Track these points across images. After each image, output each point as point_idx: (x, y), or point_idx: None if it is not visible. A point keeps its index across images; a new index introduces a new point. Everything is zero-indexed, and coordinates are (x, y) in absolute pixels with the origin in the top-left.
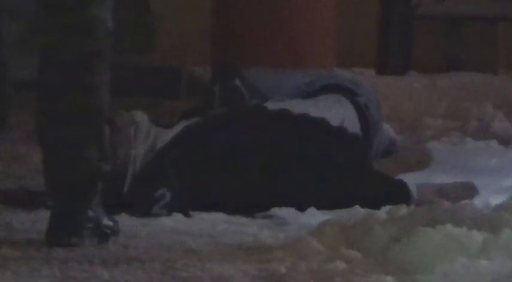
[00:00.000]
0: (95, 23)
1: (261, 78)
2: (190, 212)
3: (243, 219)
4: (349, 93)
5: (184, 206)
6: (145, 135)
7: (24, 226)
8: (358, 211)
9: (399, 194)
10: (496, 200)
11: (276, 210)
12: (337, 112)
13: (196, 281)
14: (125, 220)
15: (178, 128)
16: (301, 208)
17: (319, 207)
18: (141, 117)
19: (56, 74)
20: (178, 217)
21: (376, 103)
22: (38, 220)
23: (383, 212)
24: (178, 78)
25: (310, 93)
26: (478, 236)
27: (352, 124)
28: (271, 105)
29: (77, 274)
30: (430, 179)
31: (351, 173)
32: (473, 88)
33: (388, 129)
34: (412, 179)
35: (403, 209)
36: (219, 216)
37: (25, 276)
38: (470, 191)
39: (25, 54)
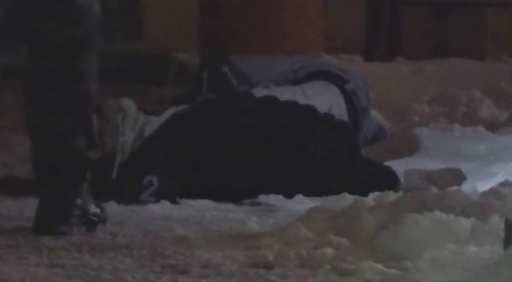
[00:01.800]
0: (82, 11)
1: (248, 65)
2: (178, 199)
3: (231, 206)
4: (337, 79)
5: (173, 193)
6: (134, 122)
7: (12, 214)
8: (346, 198)
9: (387, 181)
10: (483, 186)
11: (263, 197)
12: (324, 99)
13: (185, 268)
14: (112, 208)
15: (166, 115)
16: (289, 195)
17: (307, 194)
18: (129, 104)
19: (43, 61)
20: (166, 204)
21: (364, 89)
22: (26, 208)
23: (371, 199)
24: (166, 66)
25: (297, 79)
26: (466, 222)
27: (340, 111)
28: (258, 92)
29: (65, 262)
30: (418, 165)
31: (338, 159)
32: (461, 74)
33: (376, 116)
34: (400, 166)
35: (391, 196)
36: (207, 203)
37: (13, 264)
38: (458, 177)
39: (12, 42)
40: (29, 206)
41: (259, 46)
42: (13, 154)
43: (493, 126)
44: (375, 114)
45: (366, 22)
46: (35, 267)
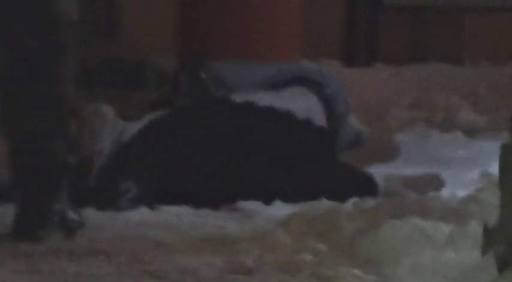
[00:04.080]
0: (59, 16)
1: (226, 71)
2: (156, 205)
3: (209, 212)
4: (315, 85)
5: (150, 199)
6: (111, 128)
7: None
8: (325, 203)
9: (366, 186)
10: (462, 192)
11: (242, 203)
12: (303, 105)
13: (163, 273)
14: (90, 213)
15: (143, 121)
16: (268, 201)
17: (285, 200)
18: (106, 110)
19: (20, 66)
20: (144, 210)
21: (343, 95)
22: (3, 214)
23: (349, 204)
24: (142, 70)
25: (276, 85)
26: (444, 228)
27: (318, 116)
28: (236, 98)
29: (43, 267)
30: (397, 170)
31: (316, 165)
32: (439, 79)
33: (355, 121)
34: (378, 171)
35: (369, 201)
36: (185, 209)
37: None
38: (436, 182)
39: None
40: (6, 212)
41: (237, 51)
42: None
43: (471, 132)
44: (353, 119)
45: (345, 28)
46: (12, 273)
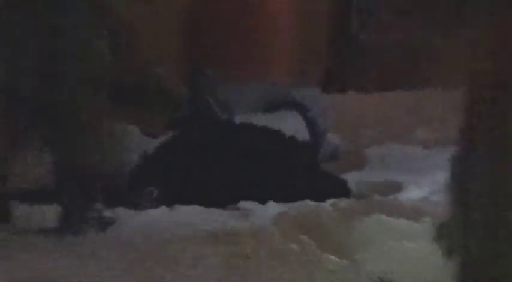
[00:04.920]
0: (96, 52)
1: (228, 95)
2: (173, 205)
3: (216, 211)
4: (301, 108)
5: (169, 200)
6: (136, 144)
7: (35, 217)
8: (308, 203)
9: (341, 190)
10: (417, 195)
11: (242, 203)
12: (291, 124)
13: (179, 260)
14: (120, 211)
15: (162, 138)
16: (263, 201)
17: (276, 201)
18: (132, 129)
19: (64, 96)
20: (163, 209)
21: (323, 116)
22: (48, 212)
23: (328, 204)
24: (146, 82)
25: (270, 108)
26: (403, 223)
27: (303, 134)
28: (237, 119)
29: (83, 254)
30: (366, 177)
31: (301, 173)
32: (402, 103)
33: (333, 137)
34: (351, 178)
35: (344, 202)
36: (197, 208)
37: (41, 258)
38: (397, 187)
39: None
40: (50, 210)
41: (236, 71)
42: (42, 170)
43: (428, 146)
44: (331, 136)
45: (324, 61)
46: (58, 258)
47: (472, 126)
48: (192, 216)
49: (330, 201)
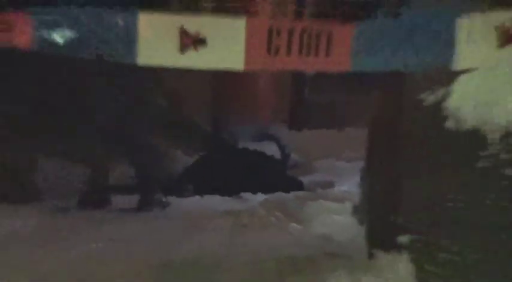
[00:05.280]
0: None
1: (235, 131)
2: (203, 195)
3: (228, 198)
4: (276, 140)
5: (200, 192)
6: (181, 160)
7: (123, 201)
8: (281, 194)
9: (298, 186)
10: (343, 189)
11: (243, 194)
12: (270, 151)
13: (206, 227)
14: (173, 199)
15: (195, 157)
16: (254, 192)
17: (263, 192)
18: (175, 151)
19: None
20: (197, 197)
21: (288, 146)
22: (133, 199)
23: (291, 194)
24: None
25: (259, 139)
26: (335, 205)
27: (277, 154)
28: (240, 146)
29: (153, 223)
30: (314, 179)
31: (276, 177)
32: (335, 136)
33: (294, 156)
34: (304, 179)
35: (300, 193)
36: (216, 197)
37: (129, 226)
38: (331, 185)
39: None
40: (132, 198)
41: (238, 118)
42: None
43: (350, 161)
44: (293, 155)
45: (289, 108)
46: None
47: (369, 153)
48: (213, 201)
49: (292, 193)
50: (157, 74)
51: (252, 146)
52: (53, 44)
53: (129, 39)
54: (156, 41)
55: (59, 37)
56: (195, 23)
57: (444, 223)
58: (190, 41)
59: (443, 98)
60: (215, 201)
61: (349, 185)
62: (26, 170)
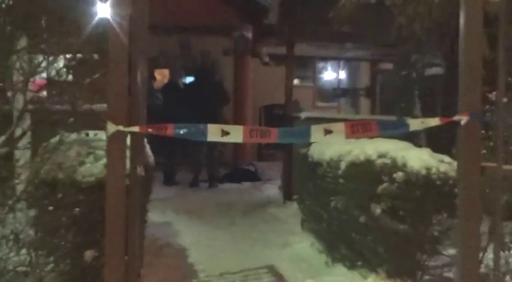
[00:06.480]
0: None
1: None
2: (229, 184)
3: (237, 184)
4: (252, 168)
5: (230, 181)
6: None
7: (182, 178)
8: (255, 183)
9: (256, 177)
10: (274, 183)
11: (243, 183)
12: (250, 169)
13: (233, 203)
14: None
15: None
16: (245, 181)
17: (249, 181)
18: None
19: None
20: (226, 185)
21: (257, 169)
22: (187, 177)
23: (259, 182)
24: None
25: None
26: (272, 185)
27: (254, 171)
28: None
29: (203, 196)
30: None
31: (252, 177)
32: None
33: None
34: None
35: (258, 182)
36: (233, 184)
37: (189, 198)
38: (269, 180)
39: None
40: (186, 176)
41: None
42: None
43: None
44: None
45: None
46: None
47: (284, 167)
48: (234, 186)
49: (257, 182)
50: None
51: (246, 167)
52: None
53: None
54: None
55: None
56: None
57: (308, 192)
58: None
59: (307, 151)
60: (233, 187)
61: (277, 181)
62: None
